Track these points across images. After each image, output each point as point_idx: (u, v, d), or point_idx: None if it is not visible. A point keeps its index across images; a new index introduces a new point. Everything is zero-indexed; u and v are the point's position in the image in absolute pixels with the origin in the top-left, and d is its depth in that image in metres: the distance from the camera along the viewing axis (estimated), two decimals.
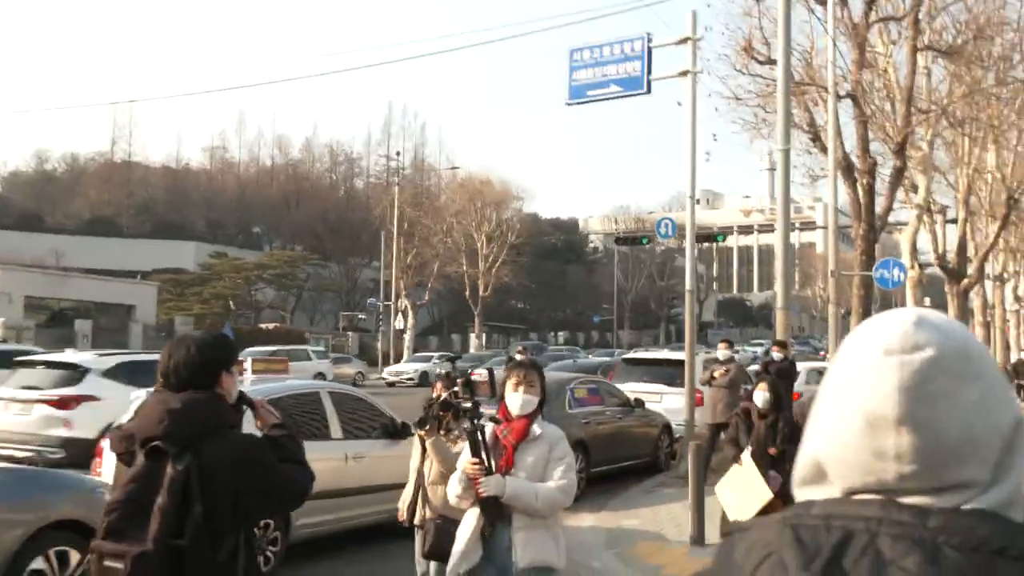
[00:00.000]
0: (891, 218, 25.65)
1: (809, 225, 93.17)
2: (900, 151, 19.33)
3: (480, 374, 4.51)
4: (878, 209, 19.62)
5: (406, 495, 5.83)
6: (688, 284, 14.37)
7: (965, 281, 30.44)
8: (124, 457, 2.93)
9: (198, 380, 2.82)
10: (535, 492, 4.02)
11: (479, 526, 4.10)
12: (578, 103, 14.14)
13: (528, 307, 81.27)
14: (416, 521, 5.66)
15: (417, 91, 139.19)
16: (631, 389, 14.26)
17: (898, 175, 19.54)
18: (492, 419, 4.27)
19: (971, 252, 31.85)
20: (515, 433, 4.15)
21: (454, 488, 4.18)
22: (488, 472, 4.03)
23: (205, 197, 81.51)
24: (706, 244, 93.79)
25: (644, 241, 37.32)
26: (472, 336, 58.77)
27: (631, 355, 19.50)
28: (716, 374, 12.18)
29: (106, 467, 7.65)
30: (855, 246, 19.46)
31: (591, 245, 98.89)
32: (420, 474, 5.68)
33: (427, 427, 5.41)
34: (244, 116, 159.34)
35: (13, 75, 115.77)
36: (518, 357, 19.33)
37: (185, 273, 59.87)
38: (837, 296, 18.18)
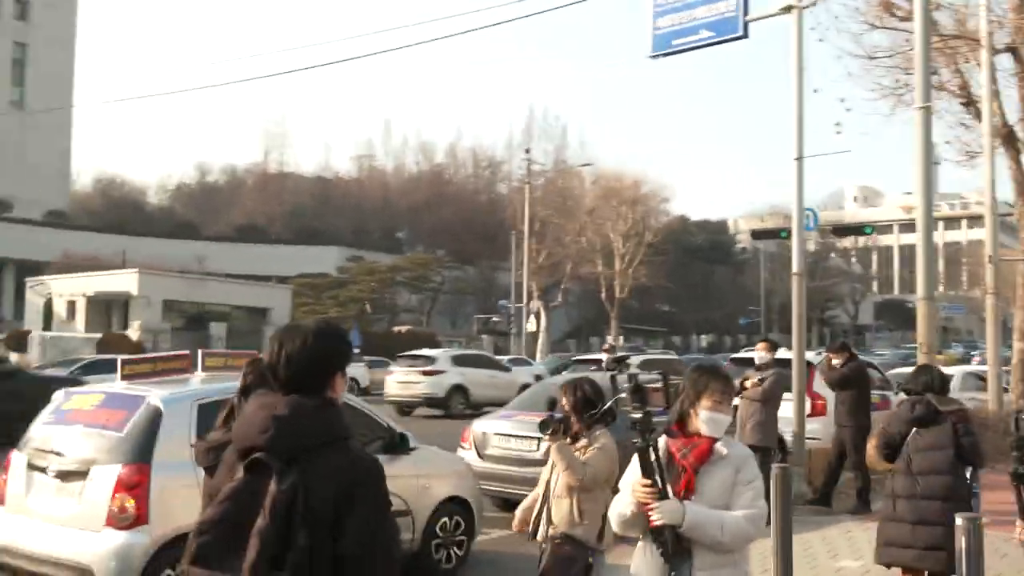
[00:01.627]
0: None
1: (978, 220, 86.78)
2: None
3: (653, 380, 3.73)
4: None
5: (528, 503, 5.34)
6: (795, 266, 12.15)
7: None
8: (212, 471, 2.70)
9: (311, 377, 2.50)
10: (720, 522, 3.41)
11: (656, 564, 3.47)
12: (663, 55, 12.14)
13: (673, 309, 78.95)
14: (539, 537, 5.14)
15: (558, 92, 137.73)
16: None
17: None
18: (667, 432, 3.61)
19: None
20: (697, 453, 3.52)
21: (620, 513, 3.57)
22: (663, 496, 3.39)
23: (351, 204, 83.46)
24: (860, 240, 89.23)
25: (783, 234, 34.61)
26: (608, 339, 56.82)
27: (739, 355, 17.12)
28: (748, 383, 9.78)
29: (11, 484, 6.35)
30: (1019, 227, 16.64)
31: (738, 245, 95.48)
32: (547, 485, 5.17)
33: (550, 431, 5.00)
34: (390, 125, 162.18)
35: (171, 91, 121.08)
36: (604, 356, 17.52)
37: (323, 277, 60.28)
38: (997, 286, 15.46)
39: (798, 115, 11.30)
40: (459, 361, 26.33)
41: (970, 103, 16.92)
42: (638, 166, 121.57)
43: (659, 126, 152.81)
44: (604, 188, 58.00)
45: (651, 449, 3.41)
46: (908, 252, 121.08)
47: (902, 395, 10.75)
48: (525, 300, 50.89)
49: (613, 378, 4.54)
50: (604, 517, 4.89)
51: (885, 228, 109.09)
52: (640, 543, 3.59)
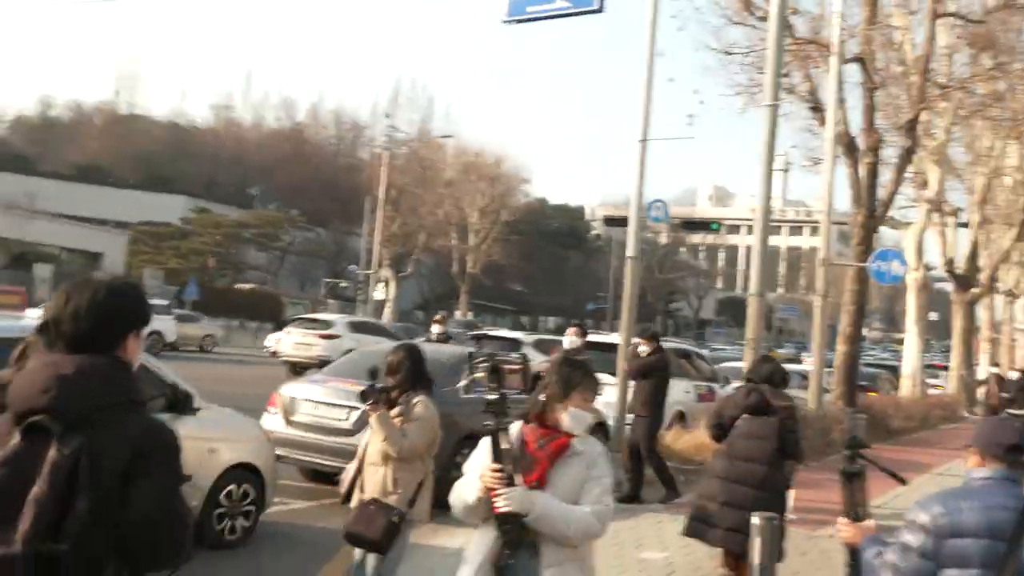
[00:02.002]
0: (897, 214, 23.29)
1: (819, 227, 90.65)
2: (911, 130, 16.97)
3: (512, 361, 3.77)
4: (881, 194, 17.28)
5: (349, 471, 5.21)
6: (629, 249, 12.11)
7: (973, 291, 28.16)
8: None
9: (99, 337, 2.29)
10: (567, 515, 3.30)
11: (493, 552, 3.34)
12: (517, 21, 11.81)
13: (525, 290, 79.43)
14: (352, 504, 5.11)
15: (426, 63, 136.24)
16: None
17: (906, 157, 17.19)
18: (523, 419, 3.50)
19: (983, 262, 29.59)
20: (556, 447, 3.40)
21: (464, 496, 3.41)
22: (511, 484, 3.28)
23: (206, 154, 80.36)
24: (709, 238, 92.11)
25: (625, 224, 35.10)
26: (457, 313, 56.62)
27: (544, 337, 16.85)
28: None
29: None
30: (852, 235, 17.11)
31: (593, 232, 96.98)
32: (363, 453, 5.13)
33: (371, 401, 4.92)
34: (251, 78, 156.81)
35: (15, 19, 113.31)
36: (434, 329, 17.16)
37: (165, 226, 57.59)
38: (827, 290, 15.82)
39: (646, 97, 11.13)
40: (355, 327, 27.02)
41: (817, 108, 17.26)
42: (500, 144, 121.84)
43: (526, 107, 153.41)
44: (464, 162, 57.56)
45: (503, 433, 3.31)
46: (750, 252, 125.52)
47: (733, 385, 10.80)
48: (375, 267, 50.04)
49: (471, 355, 4.35)
50: (419, 487, 5.00)
51: (734, 228, 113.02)
52: (479, 529, 3.46)
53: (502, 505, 3.26)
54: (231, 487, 6.92)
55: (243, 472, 7.00)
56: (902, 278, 15.53)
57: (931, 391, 27.31)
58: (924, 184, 22.53)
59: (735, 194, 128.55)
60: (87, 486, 2.16)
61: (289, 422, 9.00)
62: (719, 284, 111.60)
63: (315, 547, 7.46)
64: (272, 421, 9.11)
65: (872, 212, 16.81)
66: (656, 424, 10.18)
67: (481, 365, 3.71)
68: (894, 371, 24.89)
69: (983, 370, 30.24)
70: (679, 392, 13.52)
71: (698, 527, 6.55)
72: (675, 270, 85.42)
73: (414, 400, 5.03)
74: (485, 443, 3.37)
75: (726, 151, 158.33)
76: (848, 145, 17.03)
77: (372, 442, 5.04)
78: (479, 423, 8.99)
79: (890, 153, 18.07)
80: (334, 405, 8.78)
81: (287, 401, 9.13)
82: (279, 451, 8.79)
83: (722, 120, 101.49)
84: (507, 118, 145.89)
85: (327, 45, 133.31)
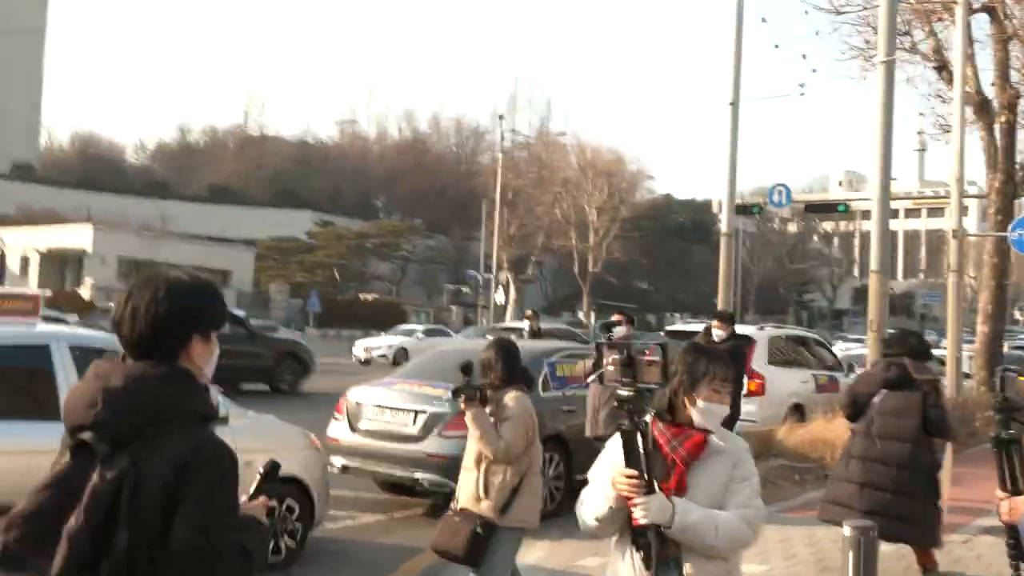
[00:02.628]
0: None
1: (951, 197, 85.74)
2: None
3: (650, 352, 3.04)
4: (1021, 158, 15.62)
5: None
6: (724, 225, 11.09)
7: None
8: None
9: (160, 341, 2.04)
10: (715, 522, 2.87)
11: (636, 567, 2.93)
12: None
13: (649, 287, 78.13)
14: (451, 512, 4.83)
15: (544, 65, 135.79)
16: None
17: None
18: (658, 416, 3.06)
19: None
20: (691, 446, 2.98)
21: (593, 507, 2.99)
22: (649, 491, 2.82)
23: (331, 169, 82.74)
24: (842, 225, 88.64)
25: (756, 210, 33.64)
26: (580, 314, 55.79)
27: (674, 327, 15.72)
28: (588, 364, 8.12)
29: None
30: (988, 203, 15.51)
31: (720, 225, 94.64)
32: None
33: (464, 397, 4.65)
34: (373, 92, 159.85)
35: (152, 52, 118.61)
36: (525, 325, 16.32)
37: (290, 241, 58.85)
38: (962, 264, 14.32)
39: (735, 55, 10.09)
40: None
41: (944, 68, 15.74)
42: (619, 141, 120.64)
43: (647, 104, 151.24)
44: (581, 160, 56.77)
45: (640, 434, 2.87)
46: (891, 239, 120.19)
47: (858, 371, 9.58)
48: (494, 271, 49.73)
49: (599, 346, 3.94)
50: (515, 492, 4.66)
51: (868, 214, 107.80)
52: (616, 545, 3.08)
53: (640, 515, 2.85)
54: (272, 503, 6.30)
55: (286, 486, 6.38)
56: None
57: None
58: None
59: (868, 178, 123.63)
60: (127, 516, 1.93)
61: (354, 429, 8.36)
62: (855, 272, 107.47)
63: (372, 566, 6.79)
64: (337, 428, 8.51)
65: (1011, 176, 15.18)
66: (731, 423, 8.99)
67: (612, 356, 3.01)
68: None
69: None
70: (795, 383, 12.33)
71: (833, 509, 6.04)
72: (807, 259, 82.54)
73: (508, 397, 4.72)
74: (615, 445, 2.98)
75: (857, 136, 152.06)
76: (980, 105, 15.47)
77: (467, 445, 4.80)
78: (559, 423, 8.22)
79: None
80: (399, 410, 8.11)
81: (352, 406, 8.49)
82: (345, 461, 8.22)
83: (850, 101, 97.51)
84: (628, 116, 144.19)
85: (446, 54, 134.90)
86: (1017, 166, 15.41)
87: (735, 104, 10.28)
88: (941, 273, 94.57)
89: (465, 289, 58.63)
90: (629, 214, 58.06)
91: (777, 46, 18.55)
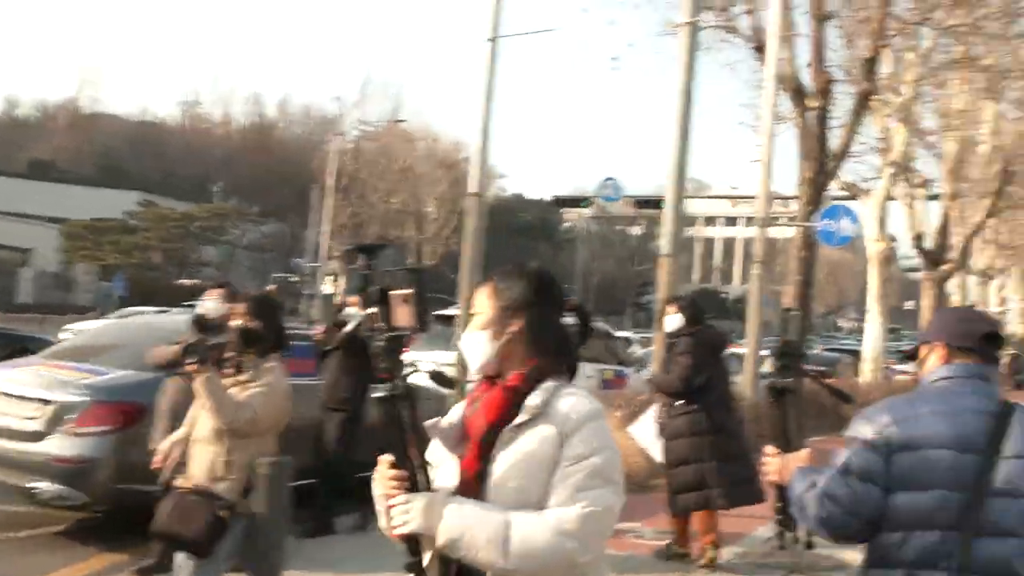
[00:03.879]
0: (858, 180, 20.96)
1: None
2: (869, 69, 14.50)
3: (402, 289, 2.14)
4: (833, 147, 14.85)
5: (167, 448, 4.53)
6: (472, 186, 9.48)
7: (944, 267, 25.86)
8: None
9: None
10: (504, 532, 1.96)
11: None
12: None
13: None
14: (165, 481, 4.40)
15: (396, 57, 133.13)
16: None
17: (863, 102, 14.73)
18: (437, 376, 2.31)
19: (955, 239, 27.32)
20: (489, 407, 2.10)
21: (381, 518, 2.16)
22: (413, 486, 2.06)
23: (169, 151, 78.48)
24: (687, 231, 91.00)
25: (584, 204, 32.89)
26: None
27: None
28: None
29: None
30: (798, 193, 14.67)
31: (565, 224, 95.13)
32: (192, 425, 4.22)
33: (196, 358, 3.90)
34: (219, 75, 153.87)
35: None
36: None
37: (105, 221, 54.75)
38: (765, 258, 13.35)
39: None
40: None
41: (761, 48, 14.80)
42: (462, 131, 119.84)
43: (502, 101, 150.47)
44: (419, 149, 55.16)
45: (403, 399, 2.04)
46: (728, 245, 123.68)
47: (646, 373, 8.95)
48: (324, 260, 47.55)
49: (419, 283, 2.76)
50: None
51: (710, 220, 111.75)
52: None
53: (394, 524, 2.04)
54: None
55: None
56: (852, 239, 13.08)
57: (899, 377, 25.23)
58: (888, 148, 20.14)
59: (710, 185, 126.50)
60: None
61: None
62: (694, 276, 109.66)
63: None
64: None
65: (822, 166, 14.37)
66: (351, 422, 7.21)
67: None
68: (857, 356, 22.51)
69: None
70: (578, 377, 11.02)
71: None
72: (648, 261, 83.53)
73: (268, 364, 4.15)
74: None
75: (701, 143, 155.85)
76: (796, 91, 14.60)
77: (200, 414, 4.16)
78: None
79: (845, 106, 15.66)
80: (23, 399, 6.22)
81: None
82: None
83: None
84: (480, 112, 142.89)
85: (297, 39, 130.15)
86: (828, 156, 14.61)
87: (494, 40, 8.82)
88: (780, 280, 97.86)
89: (294, 278, 56.06)
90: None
91: (586, 9, 16.85)
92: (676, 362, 6.24)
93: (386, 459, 2.08)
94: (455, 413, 2.20)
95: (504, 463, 2.04)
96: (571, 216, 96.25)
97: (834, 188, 21.17)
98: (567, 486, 2.00)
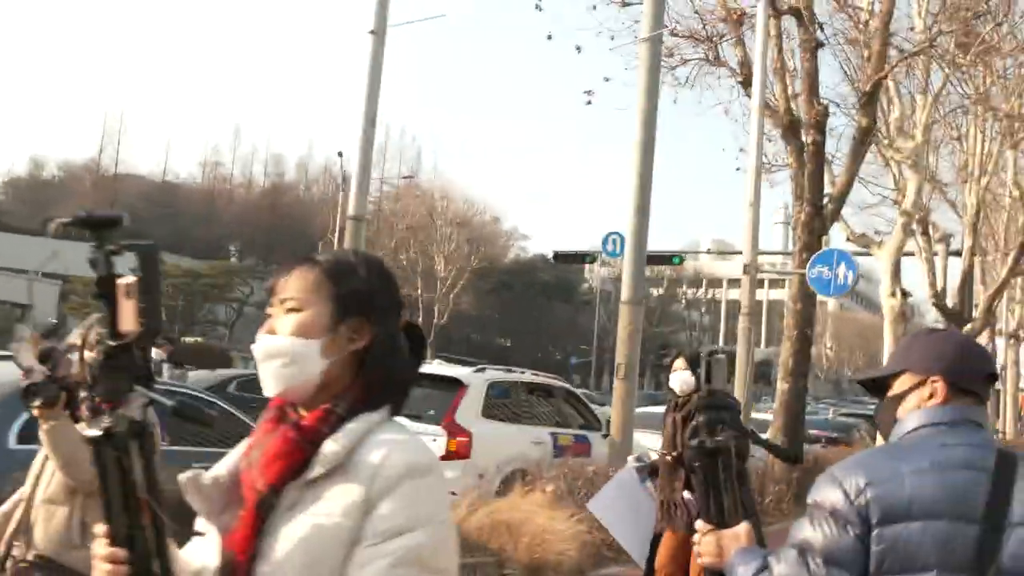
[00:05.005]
0: (871, 232, 19.58)
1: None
2: (868, 103, 13.19)
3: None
4: (831, 187, 13.50)
5: (7, 507, 3.45)
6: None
7: (968, 327, 24.22)
8: None
9: None
10: None
11: None
12: None
13: (509, 344, 76.54)
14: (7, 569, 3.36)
15: (414, 113, 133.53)
16: None
17: (863, 138, 13.37)
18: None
19: (978, 298, 25.78)
20: (271, 456, 1.58)
21: None
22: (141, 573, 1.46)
23: (190, 211, 79.42)
24: (710, 292, 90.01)
25: (587, 259, 31.48)
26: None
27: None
28: None
29: None
30: (795, 239, 13.25)
31: (585, 284, 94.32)
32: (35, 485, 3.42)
33: (40, 400, 3.11)
34: (240, 132, 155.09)
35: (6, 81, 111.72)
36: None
37: None
38: (752, 305, 11.90)
39: None
40: None
41: (748, 81, 13.54)
42: (478, 190, 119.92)
43: (526, 161, 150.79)
44: (430, 207, 54.49)
45: (124, 443, 1.47)
46: (755, 307, 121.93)
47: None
48: None
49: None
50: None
51: (734, 282, 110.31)
52: None
53: None
54: None
55: None
56: (850, 288, 11.61)
57: None
58: (901, 197, 18.80)
59: (734, 244, 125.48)
60: None
61: None
62: (720, 340, 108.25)
63: None
64: None
65: (818, 209, 12.97)
66: None
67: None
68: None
69: None
70: (521, 443, 9.49)
71: None
72: (670, 322, 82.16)
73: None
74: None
75: (726, 203, 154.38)
76: (789, 125, 13.29)
77: (44, 468, 3.38)
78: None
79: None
80: None
81: None
82: None
83: (718, 173, 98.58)
84: (503, 170, 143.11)
85: (317, 99, 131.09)
86: (826, 197, 13.22)
87: (377, 33, 7.56)
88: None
89: None
90: (482, 265, 55.99)
91: (550, 37, 15.23)
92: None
93: (101, 531, 1.46)
94: (224, 463, 1.66)
95: (285, 540, 1.50)
96: (594, 275, 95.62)
97: (842, 240, 19.81)
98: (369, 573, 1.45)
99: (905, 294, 18.05)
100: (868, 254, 20.46)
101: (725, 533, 2.23)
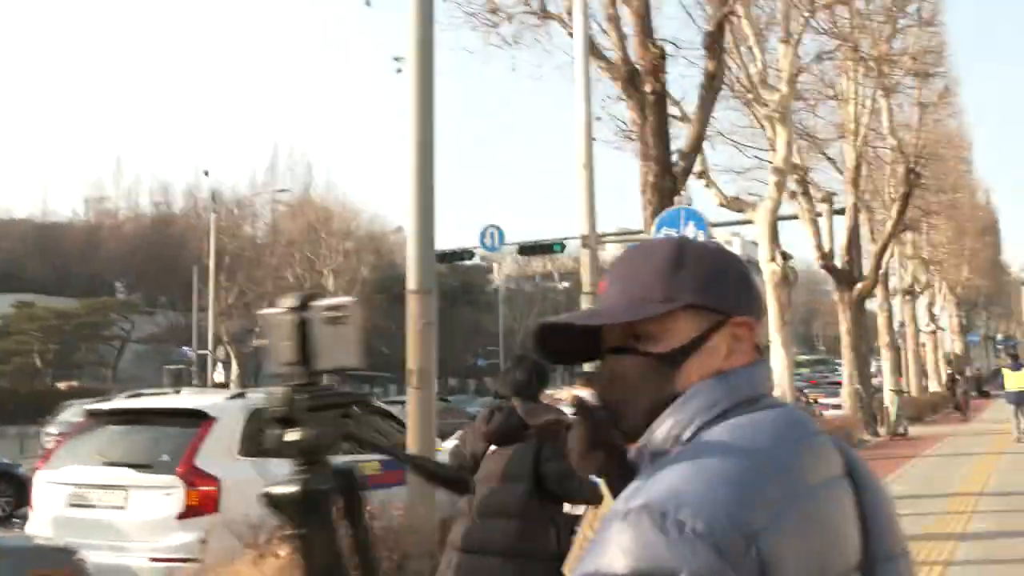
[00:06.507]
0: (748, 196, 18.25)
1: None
2: (713, 45, 11.63)
3: None
4: (678, 141, 11.91)
5: None
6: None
7: (859, 285, 23.17)
8: None
9: None
10: None
11: None
12: None
13: (391, 352, 74.12)
14: None
15: (304, 130, 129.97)
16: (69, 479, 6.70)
17: (710, 83, 11.79)
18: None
19: (868, 257, 24.82)
20: None
21: None
22: None
23: (71, 249, 74.76)
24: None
25: (468, 256, 29.73)
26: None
27: (101, 405, 9.95)
28: None
29: None
30: (642, 204, 11.59)
31: (491, 286, 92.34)
32: None
33: None
34: (121, 162, 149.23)
35: None
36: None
37: None
38: (596, 284, 10.20)
39: None
40: None
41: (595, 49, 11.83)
42: (366, 197, 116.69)
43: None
44: (308, 220, 52.02)
45: None
46: None
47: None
48: (211, 346, 43.72)
49: None
50: None
51: None
52: None
53: None
54: None
55: None
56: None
57: (828, 412, 22.49)
58: (772, 148, 17.43)
59: (646, 233, 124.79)
60: None
61: None
62: None
63: None
64: None
65: (667, 167, 11.34)
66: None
67: None
68: None
69: (887, 382, 25.21)
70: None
71: None
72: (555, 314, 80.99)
73: None
74: None
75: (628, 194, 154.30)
76: (628, 76, 11.64)
77: None
78: None
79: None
80: None
81: None
82: None
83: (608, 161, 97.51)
84: (393, 177, 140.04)
85: (199, 122, 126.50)
86: (675, 154, 11.60)
87: None
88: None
89: (186, 368, 52.06)
90: (376, 277, 53.77)
91: (369, 3, 13.19)
92: (563, 458, 4.29)
93: None
94: None
95: None
96: (497, 276, 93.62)
97: (714, 204, 18.42)
98: None
99: (786, 256, 16.68)
100: (749, 222, 19.11)
101: None
